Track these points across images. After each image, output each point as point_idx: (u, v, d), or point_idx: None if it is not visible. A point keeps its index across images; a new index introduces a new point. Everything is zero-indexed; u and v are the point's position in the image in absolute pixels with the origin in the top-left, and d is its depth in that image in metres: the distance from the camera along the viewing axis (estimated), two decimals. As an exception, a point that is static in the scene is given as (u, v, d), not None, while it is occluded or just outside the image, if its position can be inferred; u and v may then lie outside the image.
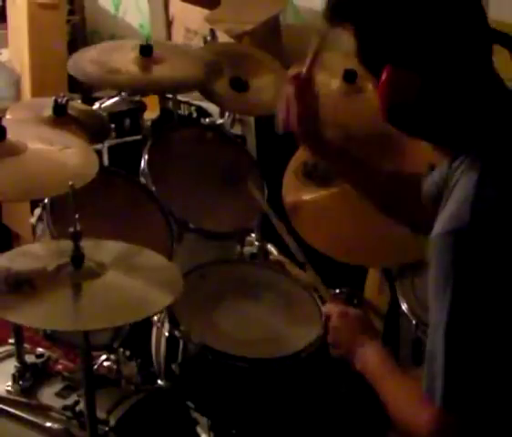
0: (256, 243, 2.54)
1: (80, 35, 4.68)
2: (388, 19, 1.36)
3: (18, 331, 2.02)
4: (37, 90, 3.96)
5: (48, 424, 1.84)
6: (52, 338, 2.20)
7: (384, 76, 1.35)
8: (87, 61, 2.50)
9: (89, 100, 3.04)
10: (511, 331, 1.31)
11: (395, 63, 1.34)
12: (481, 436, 1.37)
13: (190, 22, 3.69)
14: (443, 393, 1.33)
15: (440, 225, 1.34)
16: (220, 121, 2.85)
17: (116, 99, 2.99)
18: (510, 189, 1.33)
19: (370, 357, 1.59)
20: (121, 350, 2.31)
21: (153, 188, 2.35)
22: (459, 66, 1.36)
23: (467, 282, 1.30)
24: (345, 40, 1.41)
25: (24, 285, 1.58)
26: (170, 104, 3.15)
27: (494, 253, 1.29)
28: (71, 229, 1.61)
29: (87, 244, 1.65)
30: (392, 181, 1.80)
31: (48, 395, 1.96)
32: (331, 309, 1.76)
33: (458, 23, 1.36)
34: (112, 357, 2.33)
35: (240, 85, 2.64)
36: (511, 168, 1.35)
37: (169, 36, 3.87)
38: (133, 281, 1.68)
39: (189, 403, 2.04)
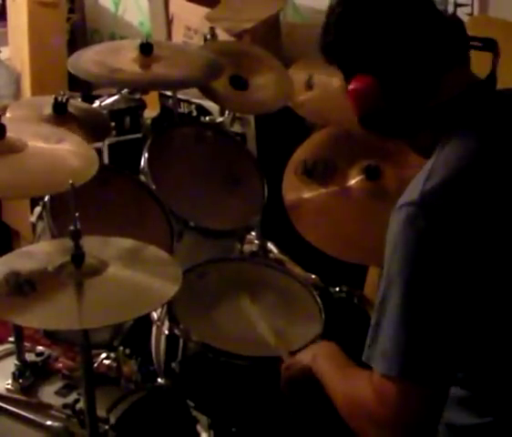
0: (256, 241, 2.54)
1: (80, 34, 4.68)
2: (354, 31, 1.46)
3: (18, 330, 2.02)
4: (37, 88, 3.96)
5: (48, 423, 1.85)
6: (52, 336, 2.20)
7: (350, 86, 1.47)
8: (87, 60, 2.49)
9: (89, 98, 3.04)
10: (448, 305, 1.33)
11: (360, 70, 1.45)
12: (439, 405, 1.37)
13: (190, 20, 3.69)
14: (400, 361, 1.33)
15: (398, 201, 1.40)
16: (219, 119, 2.85)
17: (116, 97, 2.99)
18: (463, 171, 1.37)
19: (320, 360, 1.61)
20: (121, 348, 2.31)
21: (153, 187, 2.35)
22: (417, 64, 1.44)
23: (410, 256, 1.34)
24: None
25: (25, 286, 1.58)
26: (170, 102, 3.16)
27: (436, 230, 1.33)
28: (71, 228, 1.62)
29: (87, 242, 1.65)
30: None
31: (48, 393, 1.96)
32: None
33: (411, 23, 1.44)
34: (112, 355, 2.33)
35: (239, 83, 2.64)
36: (468, 152, 1.40)
37: (169, 35, 3.87)
38: (134, 277, 1.68)
39: (189, 402, 2.04)
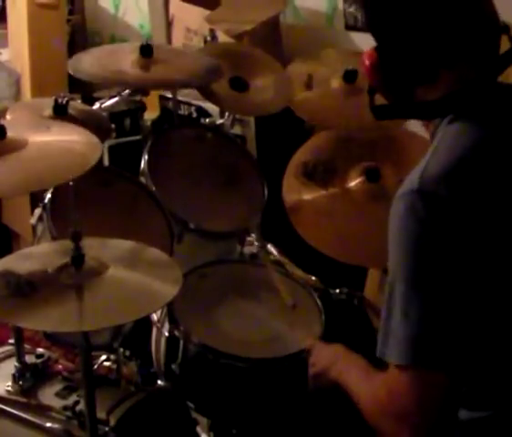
0: (256, 243, 2.54)
1: (80, 35, 4.68)
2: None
3: (18, 332, 2.02)
4: (37, 90, 3.96)
5: (48, 424, 1.85)
6: (52, 338, 2.20)
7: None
8: (87, 62, 2.50)
9: (90, 100, 3.04)
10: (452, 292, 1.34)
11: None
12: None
13: (190, 22, 3.69)
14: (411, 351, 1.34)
15: (398, 191, 1.40)
16: (219, 121, 2.84)
17: (116, 99, 2.99)
18: (462, 159, 1.38)
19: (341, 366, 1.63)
20: (121, 350, 2.32)
21: (153, 188, 2.35)
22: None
23: (412, 244, 1.34)
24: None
25: (25, 288, 1.58)
26: (170, 104, 3.16)
27: (436, 218, 1.33)
28: (71, 229, 1.61)
29: (87, 243, 1.65)
30: None
31: (48, 395, 1.96)
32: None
33: None
34: (112, 357, 2.33)
35: (240, 85, 2.64)
36: (470, 139, 1.40)
37: (169, 37, 3.87)
38: (134, 279, 1.68)
39: (189, 403, 2.04)
